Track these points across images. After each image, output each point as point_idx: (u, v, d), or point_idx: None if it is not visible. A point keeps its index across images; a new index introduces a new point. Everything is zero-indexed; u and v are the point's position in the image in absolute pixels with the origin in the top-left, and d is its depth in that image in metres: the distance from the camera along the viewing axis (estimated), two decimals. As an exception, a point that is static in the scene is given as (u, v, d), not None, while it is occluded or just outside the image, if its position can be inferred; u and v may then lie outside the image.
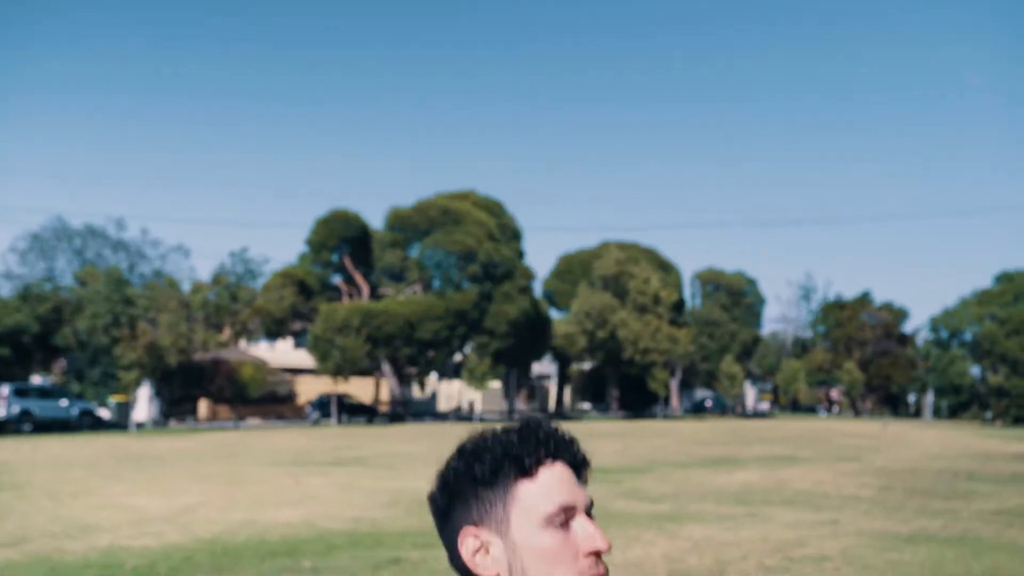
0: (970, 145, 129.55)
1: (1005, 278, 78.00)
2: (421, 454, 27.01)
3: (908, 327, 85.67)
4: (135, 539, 11.63)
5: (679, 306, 70.93)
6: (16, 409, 38.46)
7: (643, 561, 10.13)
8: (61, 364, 51.13)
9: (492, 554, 1.46)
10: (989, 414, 74.60)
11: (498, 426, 1.55)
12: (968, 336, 79.34)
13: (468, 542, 1.48)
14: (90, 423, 40.87)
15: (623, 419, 62.10)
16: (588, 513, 1.49)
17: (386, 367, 54.44)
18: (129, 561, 10.16)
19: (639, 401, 69.51)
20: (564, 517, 1.45)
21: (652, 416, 65.62)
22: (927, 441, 37.16)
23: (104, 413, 43.50)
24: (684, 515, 14.07)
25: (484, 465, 1.47)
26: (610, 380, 70.73)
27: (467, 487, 1.49)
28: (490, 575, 1.46)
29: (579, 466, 1.53)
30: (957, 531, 12.67)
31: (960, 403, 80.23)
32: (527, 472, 1.47)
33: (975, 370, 78.75)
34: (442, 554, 1.58)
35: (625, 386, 70.01)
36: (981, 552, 10.94)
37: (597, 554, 1.45)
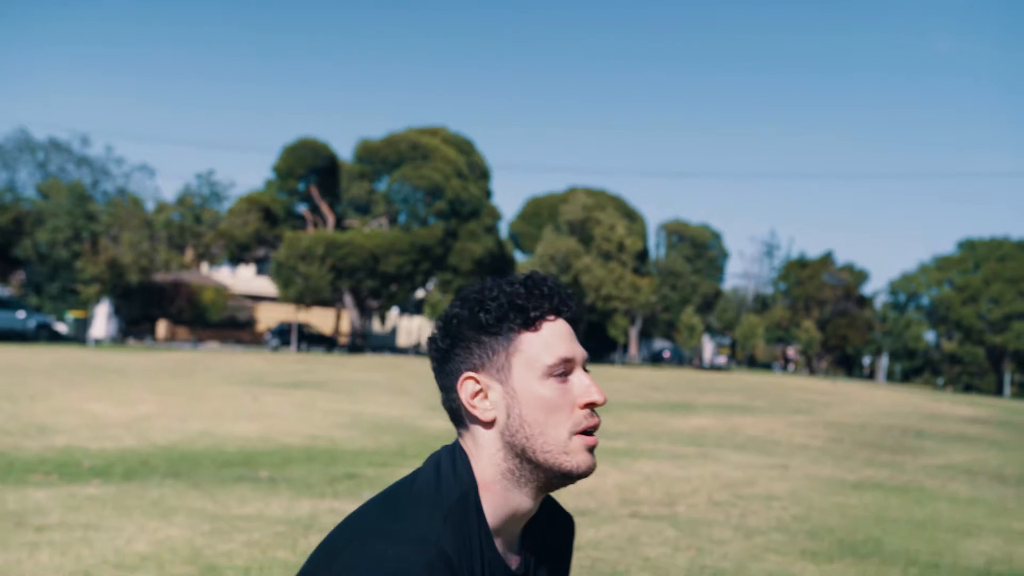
0: (942, 109, 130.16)
1: (968, 245, 78.65)
2: (381, 382, 27.12)
3: (868, 289, 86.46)
4: (92, 441, 11.66)
5: (643, 255, 71.10)
6: (-29, 318, 38.14)
7: (596, 489, 10.31)
8: (19, 276, 50.57)
9: (491, 399, 1.51)
10: (941, 380, 75.80)
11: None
12: (925, 301, 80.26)
13: (468, 385, 1.52)
14: (47, 336, 40.57)
15: (581, 363, 62.26)
16: (584, 368, 1.55)
17: (348, 299, 54.30)
18: (85, 461, 10.19)
19: (598, 347, 69.89)
20: (564, 369, 1.51)
21: (610, 362, 66.00)
22: (878, 400, 37.76)
23: (61, 328, 43.15)
24: (638, 452, 14.28)
25: (489, 314, 1.51)
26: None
27: (470, 333, 1.53)
28: (488, 419, 1.51)
29: (576, 322, 1.59)
30: (902, 481, 12.96)
31: (913, 368, 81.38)
32: (531, 325, 1.51)
33: (930, 336, 79.80)
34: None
35: (585, 331, 70.33)
36: (924, 501, 11.22)
37: (592, 406, 1.51)
